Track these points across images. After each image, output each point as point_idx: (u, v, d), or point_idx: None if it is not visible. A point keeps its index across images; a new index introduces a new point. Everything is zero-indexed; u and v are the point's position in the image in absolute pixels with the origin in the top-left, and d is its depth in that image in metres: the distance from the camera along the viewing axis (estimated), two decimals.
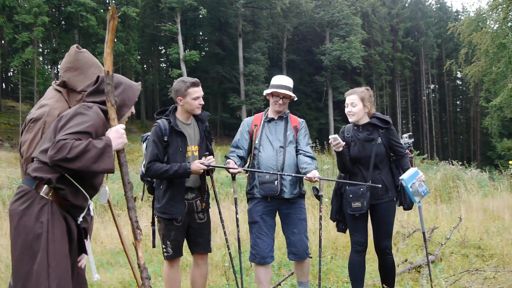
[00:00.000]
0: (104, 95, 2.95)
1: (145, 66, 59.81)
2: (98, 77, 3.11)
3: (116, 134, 2.92)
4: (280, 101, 4.79)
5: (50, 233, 2.71)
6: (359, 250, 4.71)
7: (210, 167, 4.32)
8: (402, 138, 5.09)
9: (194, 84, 4.39)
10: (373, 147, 4.62)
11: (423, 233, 5.10)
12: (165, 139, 4.31)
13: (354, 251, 4.75)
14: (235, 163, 4.61)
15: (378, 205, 4.62)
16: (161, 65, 62.46)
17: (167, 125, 4.36)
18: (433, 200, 11.57)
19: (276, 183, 4.56)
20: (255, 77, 47.42)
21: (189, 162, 4.22)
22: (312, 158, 4.71)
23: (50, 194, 2.79)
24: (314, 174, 4.42)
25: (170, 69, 51.51)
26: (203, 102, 4.44)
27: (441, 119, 69.62)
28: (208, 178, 4.60)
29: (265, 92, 4.93)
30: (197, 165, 4.21)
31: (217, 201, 4.78)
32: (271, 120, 4.86)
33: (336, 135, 4.54)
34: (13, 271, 2.76)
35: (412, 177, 4.53)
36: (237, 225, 4.86)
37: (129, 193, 2.99)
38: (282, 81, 4.83)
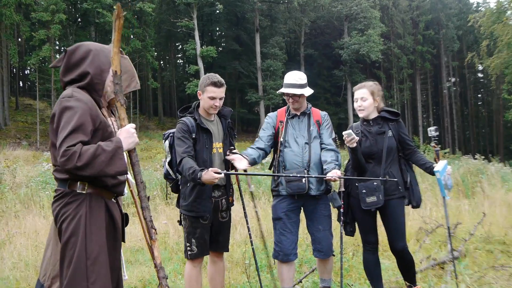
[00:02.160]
0: (77, 68, 2.93)
1: (161, 62, 60.20)
2: (65, 51, 3.03)
3: (127, 134, 2.89)
4: (291, 100, 4.76)
5: (88, 227, 2.74)
6: (371, 249, 4.68)
7: (225, 174, 4.19)
8: (428, 131, 5.00)
9: (214, 84, 4.35)
10: (384, 140, 4.56)
11: (448, 228, 5.04)
12: (193, 136, 4.30)
13: (367, 250, 4.71)
14: (246, 157, 4.46)
15: (388, 202, 4.53)
16: (178, 61, 62.87)
17: (193, 122, 4.34)
18: (456, 195, 11.44)
19: (303, 180, 4.53)
20: (273, 72, 47.39)
21: (202, 170, 4.02)
22: (335, 151, 4.66)
23: (86, 187, 2.81)
24: (333, 173, 4.33)
25: (187, 65, 51.75)
26: (218, 104, 4.39)
27: (463, 113, 68.88)
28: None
29: (280, 91, 4.90)
30: (210, 174, 3.97)
31: (241, 197, 4.78)
32: (293, 116, 4.82)
33: (350, 131, 4.48)
34: (52, 268, 2.84)
35: (443, 169, 4.48)
36: (258, 219, 4.83)
37: (142, 193, 2.97)
38: (290, 79, 4.75)
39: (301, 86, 4.73)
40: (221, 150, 4.46)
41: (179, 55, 61.71)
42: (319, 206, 4.69)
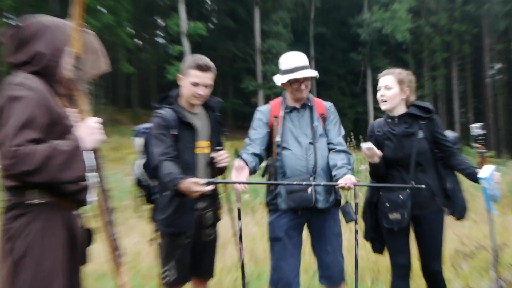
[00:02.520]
0: (29, 47, 2.91)
1: (138, 41, 59.99)
2: (14, 26, 3.00)
3: (89, 129, 2.87)
4: (303, 86, 4.70)
5: (41, 246, 2.72)
6: (401, 274, 4.68)
7: (210, 183, 4.04)
8: (471, 129, 4.96)
9: (199, 67, 4.35)
10: (413, 143, 4.57)
11: (494, 251, 4.99)
12: (174, 133, 4.29)
13: (396, 276, 4.72)
14: (246, 165, 4.46)
15: (422, 216, 4.56)
16: (158, 40, 62.80)
17: (173, 115, 4.33)
18: (500, 209, 11.39)
19: (309, 190, 4.47)
20: (275, 55, 46.91)
21: (181, 177, 3.97)
22: (346, 152, 4.64)
23: (40, 197, 2.78)
24: (347, 180, 4.28)
25: (169, 45, 51.66)
26: (203, 93, 4.40)
27: (510, 107, 68.92)
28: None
29: (280, 81, 4.75)
30: (187, 186, 3.93)
31: (238, 210, 4.63)
32: (292, 110, 4.79)
33: (370, 143, 4.53)
34: None
35: (490, 177, 4.44)
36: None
37: (106, 203, 2.97)
38: (297, 61, 4.70)
39: (308, 67, 4.75)
40: (207, 151, 4.47)
41: (160, 33, 61.66)
42: (328, 222, 4.65)
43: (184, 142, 4.31)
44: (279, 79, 4.76)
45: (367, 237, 4.87)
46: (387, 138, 4.69)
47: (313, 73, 4.66)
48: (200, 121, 4.49)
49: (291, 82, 4.69)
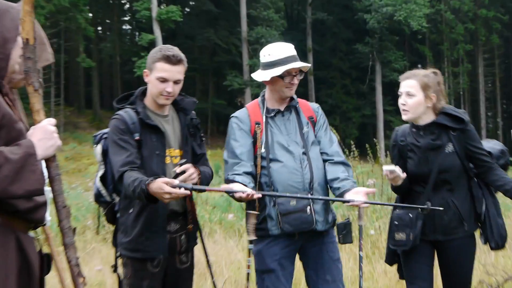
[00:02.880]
0: None
1: (99, 29, 59.82)
2: None
3: (43, 134, 2.82)
4: (296, 80, 4.67)
5: None
6: None
7: (191, 189, 3.96)
8: None
9: (167, 59, 4.23)
10: (438, 157, 4.56)
11: None
12: (136, 138, 4.20)
13: None
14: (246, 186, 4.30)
15: (449, 243, 4.58)
16: (123, 27, 62.75)
17: (135, 117, 4.25)
18: None
19: (308, 210, 4.40)
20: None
21: (151, 178, 3.87)
22: (345, 164, 4.65)
23: None
24: (359, 193, 4.28)
25: (137, 33, 51.55)
26: (172, 90, 4.28)
27: None
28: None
29: (270, 75, 4.67)
30: (158, 186, 3.80)
31: (201, 235, 4.68)
32: (276, 113, 4.74)
33: (393, 166, 4.50)
34: None
35: None
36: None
37: (65, 222, 2.93)
38: (287, 50, 4.68)
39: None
40: (177, 160, 4.38)
41: (126, 18, 61.61)
42: (326, 247, 4.63)
43: (149, 149, 4.23)
44: (262, 75, 4.74)
45: (389, 260, 4.89)
46: (411, 150, 4.69)
47: (307, 64, 4.71)
48: (170, 125, 4.44)
49: (283, 75, 4.60)
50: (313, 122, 4.76)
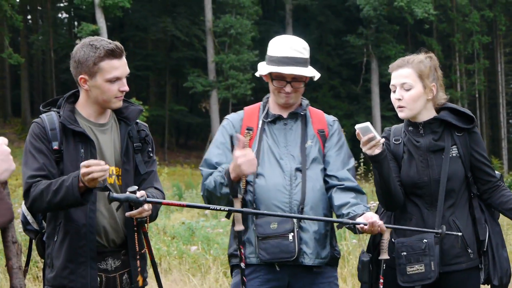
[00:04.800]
0: None
1: (29, 17, 58.33)
2: None
3: None
4: (288, 88, 4.35)
5: None
6: None
7: (144, 201, 3.73)
8: None
9: (112, 53, 3.90)
10: (443, 162, 4.26)
11: None
12: (55, 147, 3.90)
13: None
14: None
15: (449, 275, 4.30)
16: (59, 15, 60.77)
17: (56, 122, 3.95)
18: None
19: (291, 237, 4.18)
20: (236, 39, 45.10)
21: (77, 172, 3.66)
22: (357, 191, 4.38)
23: None
24: (369, 218, 3.99)
25: (75, 23, 51.22)
26: (126, 88, 4.02)
27: None
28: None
29: (260, 71, 4.52)
30: (88, 170, 3.55)
31: (156, 273, 4.24)
32: (275, 119, 4.48)
33: (368, 124, 4.08)
34: None
35: None
36: None
37: (14, 261, 2.92)
38: (290, 48, 4.39)
39: (306, 62, 4.42)
40: (114, 181, 4.07)
41: (62, 5, 59.20)
42: None
43: (73, 162, 3.89)
44: (261, 68, 4.51)
45: None
46: (406, 151, 4.40)
47: (309, 72, 4.38)
48: (107, 136, 4.13)
49: (273, 76, 4.39)
50: (324, 137, 4.55)
